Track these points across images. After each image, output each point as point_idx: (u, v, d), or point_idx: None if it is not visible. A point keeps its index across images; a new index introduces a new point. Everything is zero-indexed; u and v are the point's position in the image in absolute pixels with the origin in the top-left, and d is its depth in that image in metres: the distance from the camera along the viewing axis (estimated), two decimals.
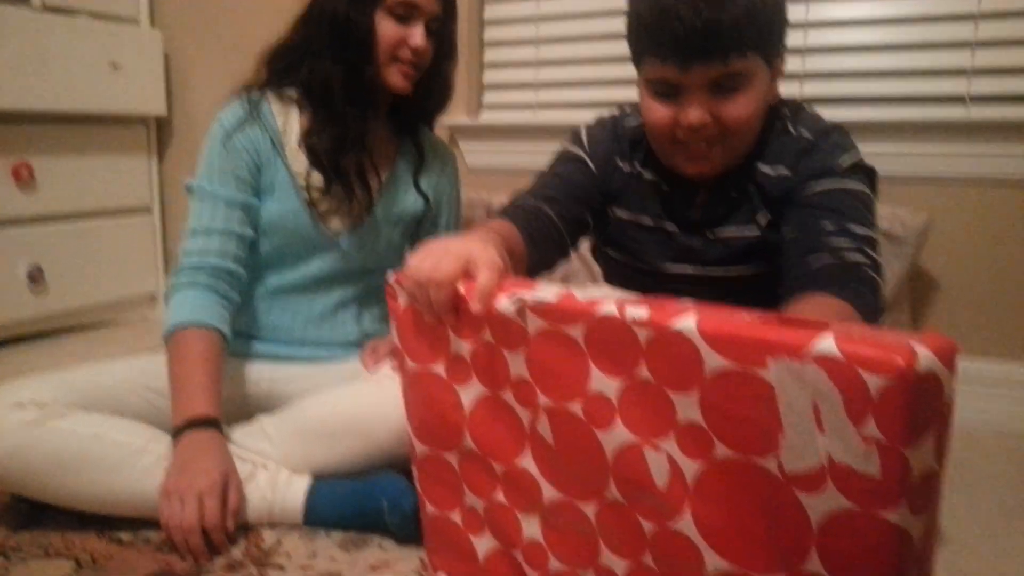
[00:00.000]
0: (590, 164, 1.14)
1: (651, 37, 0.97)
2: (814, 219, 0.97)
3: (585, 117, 1.25)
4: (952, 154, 1.57)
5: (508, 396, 0.78)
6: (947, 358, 0.53)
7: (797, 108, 1.09)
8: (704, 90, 0.97)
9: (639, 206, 1.13)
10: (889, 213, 1.55)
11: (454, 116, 2.08)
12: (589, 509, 0.74)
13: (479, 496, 0.84)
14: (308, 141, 1.22)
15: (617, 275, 1.23)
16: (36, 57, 1.94)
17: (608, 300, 0.69)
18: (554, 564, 0.80)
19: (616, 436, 0.70)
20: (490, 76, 2.10)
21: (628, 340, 0.66)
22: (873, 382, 0.52)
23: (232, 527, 1.03)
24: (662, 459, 0.67)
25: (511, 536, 0.82)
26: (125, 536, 1.06)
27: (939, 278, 1.63)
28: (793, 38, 1.69)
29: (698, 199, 1.09)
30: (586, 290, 0.75)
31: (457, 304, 0.78)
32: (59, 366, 1.24)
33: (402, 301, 0.84)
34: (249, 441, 1.12)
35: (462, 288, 0.77)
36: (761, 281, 1.07)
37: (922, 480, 0.55)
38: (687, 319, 0.62)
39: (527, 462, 0.78)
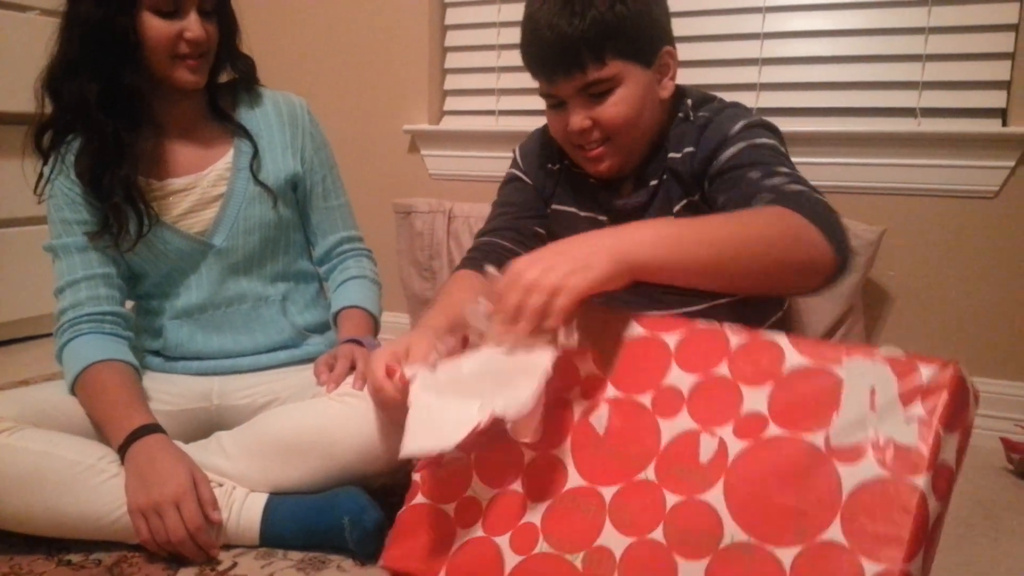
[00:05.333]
0: (525, 179, 1.23)
1: (523, 54, 1.08)
2: (739, 177, 0.99)
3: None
4: (903, 166, 1.61)
5: (574, 393, 0.82)
6: (975, 391, 0.67)
7: (702, 99, 1.13)
8: (580, 97, 1.05)
9: (572, 199, 1.19)
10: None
11: (415, 122, 2.08)
12: (608, 492, 0.77)
13: (492, 486, 0.85)
14: (76, 166, 1.17)
15: None
16: None
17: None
18: (541, 547, 0.79)
19: (678, 424, 0.75)
20: (451, 82, 2.10)
21: (719, 345, 0.76)
22: (926, 372, 0.65)
23: (217, 518, 1.03)
24: (714, 442, 0.72)
25: (509, 522, 0.82)
26: (76, 558, 1.03)
27: (890, 290, 1.66)
28: (749, 49, 1.73)
29: (624, 189, 1.15)
30: None
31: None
32: (13, 376, 1.22)
33: None
34: (204, 457, 1.10)
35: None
36: None
37: (944, 468, 0.63)
38: (780, 335, 0.73)
39: (563, 451, 0.81)
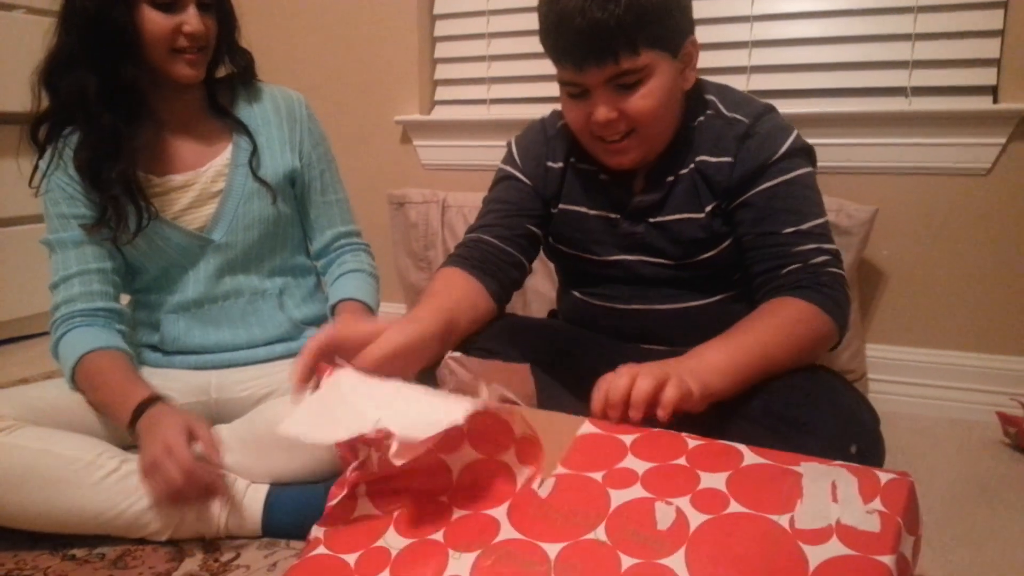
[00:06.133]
0: (522, 177, 1.18)
1: (549, 41, 1.03)
2: (771, 222, 1.03)
3: (538, 112, 1.25)
4: (894, 145, 1.61)
5: (509, 455, 0.79)
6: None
7: (722, 90, 1.12)
8: (607, 87, 1.01)
9: (580, 197, 1.16)
10: (836, 205, 1.58)
11: (406, 112, 2.07)
12: (552, 549, 0.70)
13: (408, 535, 0.77)
14: (75, 160, 1.17)
15: (568, 269, 1.24)
16: None
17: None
18: None
19: (630, 493, 0.72)
20: (442, 71, 2.09)
21: (677, 445, 0.75)
22: (883, 476, 0.67)
23: (216, 457, 1.04)
24: (671, 510, 0.69)
25: (426, 572, 0.73)
26: (79, 552, 1.04)
27: (884, 269, 1.67)
28: (739, 32, 1.72)
29: (636, 186, 1.12)
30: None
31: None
32: (11, 375, 1.23)
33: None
34: None
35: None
36: (706, 268, 1.10)
37: (903, 559, 0.63)
38: (740, 445, 0.74)
39: (499, 512, 0.75)
